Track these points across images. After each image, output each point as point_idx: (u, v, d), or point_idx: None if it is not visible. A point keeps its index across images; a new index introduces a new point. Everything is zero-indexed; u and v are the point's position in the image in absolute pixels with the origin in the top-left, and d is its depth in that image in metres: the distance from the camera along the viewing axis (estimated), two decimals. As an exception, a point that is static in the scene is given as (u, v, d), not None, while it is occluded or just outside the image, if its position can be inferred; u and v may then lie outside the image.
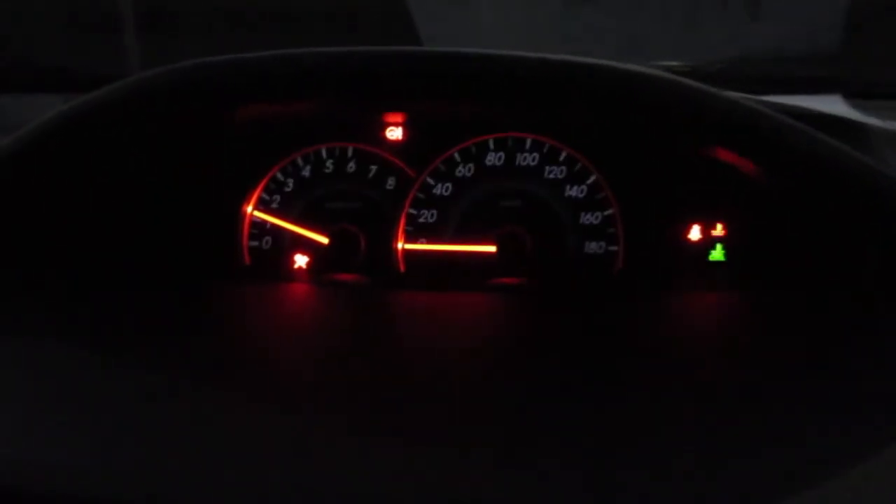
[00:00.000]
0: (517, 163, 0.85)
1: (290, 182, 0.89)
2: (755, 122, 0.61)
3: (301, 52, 0.66)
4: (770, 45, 1.15)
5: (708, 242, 0.85)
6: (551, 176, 0.85)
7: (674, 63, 0.94)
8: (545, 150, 0.85)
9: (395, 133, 0.87)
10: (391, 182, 0.87)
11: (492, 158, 0.86)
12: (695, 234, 0.85)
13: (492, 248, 0.86)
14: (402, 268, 0.88)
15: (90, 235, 0.85)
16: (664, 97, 0.63)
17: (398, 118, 0.85)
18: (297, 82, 0.68)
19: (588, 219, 0.85)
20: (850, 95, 0.91)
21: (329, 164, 0.88)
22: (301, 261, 0.90)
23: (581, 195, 0.85)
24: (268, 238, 0.90)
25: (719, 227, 0.85)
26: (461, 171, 0.86)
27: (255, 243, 0.90)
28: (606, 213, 0.85)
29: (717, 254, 0.86)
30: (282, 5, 1.29)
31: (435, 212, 0.87)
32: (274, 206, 0.89)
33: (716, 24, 1.22)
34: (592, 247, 0.86)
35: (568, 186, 0.85)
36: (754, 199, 0.81)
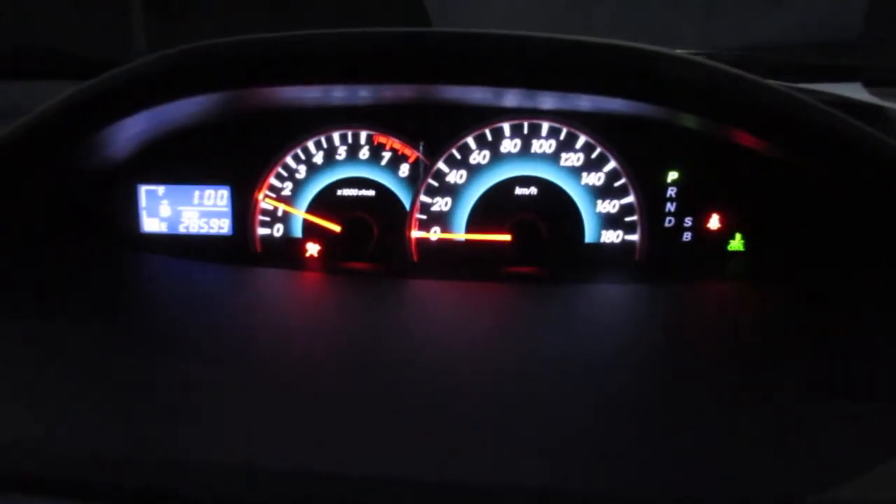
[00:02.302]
0: (533, 149, 0.84)
1: (302, 169, 0.87)
2: (787, 106, 0.60)
3: (312, 34, 0.64)
4: (790, 32, 1.13)
5: (727, 232, 0.84)
6: (568, 163, 0.84)
7: (692, 50, 0.92)
8: (562, 137, 0.83)
9: (409, 118, 0.85)
10: (404, 169, 0.86)
11: (507, 145, 0.84)
12: (714, 223, 0.84)
13: (506, 237, 0.85)
14: (415, 257, 0.87)
15: (78, 219, 0.85)
16: (690, 77, 0.61)
17: (412, 102, 0.84)
18: (307, 63, 0.66)
19: (605, 207, 0.84)
20: (870, 83, 0.89)
21: (342, 150, 0.87)
22: (313, 249, 0.89)
23: (599, 183, 0.83)
24: (279, 226, 0.89)
25: (739, 216, 0.83)
26: (476, 157, 0.85)
27: (265, 231, 0.89)
28: (624, 201, 0.83)
29: (737, 244, 0.84)
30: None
31: (449, 200, 0.86)
32: (285, 193, 0.88)
33: (736, 11, 1.21)
34: (610, 236, 0.84)
35: (585, 174, 0.84)
36: (775, 189, 0.80)
